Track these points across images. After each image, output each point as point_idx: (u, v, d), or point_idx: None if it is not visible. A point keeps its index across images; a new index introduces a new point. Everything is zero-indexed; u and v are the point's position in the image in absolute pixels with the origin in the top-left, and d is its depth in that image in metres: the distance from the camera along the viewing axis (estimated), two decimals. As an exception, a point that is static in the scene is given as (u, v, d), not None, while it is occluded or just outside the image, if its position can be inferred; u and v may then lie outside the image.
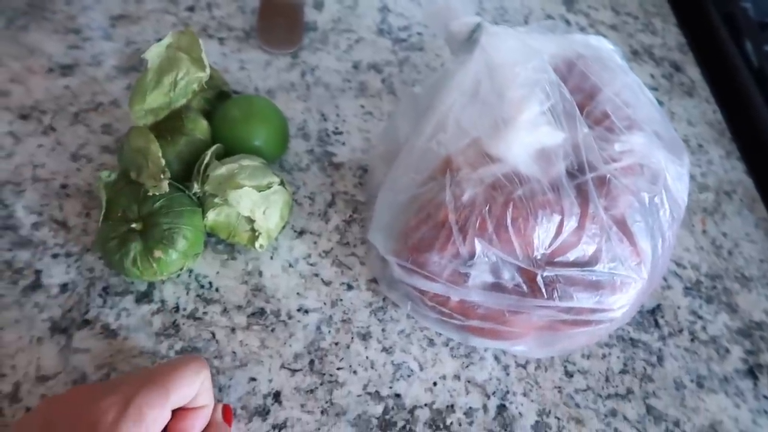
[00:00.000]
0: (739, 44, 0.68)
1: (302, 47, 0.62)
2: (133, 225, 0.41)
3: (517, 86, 0.41)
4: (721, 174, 0.59)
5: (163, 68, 0.43)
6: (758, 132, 0.62)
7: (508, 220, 0.39)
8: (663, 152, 0.44)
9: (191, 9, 0.63)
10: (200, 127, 0.46)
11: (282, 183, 0.46)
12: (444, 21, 0.48)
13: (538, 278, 0.40)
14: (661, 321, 0.49)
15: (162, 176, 0.40)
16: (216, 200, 0.43)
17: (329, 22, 0.65)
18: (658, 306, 0.49)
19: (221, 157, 0.47)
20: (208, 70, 0.44)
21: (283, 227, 0.47)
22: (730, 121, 0.64)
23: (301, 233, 0.49)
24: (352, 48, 0.63)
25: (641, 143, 0.43)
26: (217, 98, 0.51)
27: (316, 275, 0.47)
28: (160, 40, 0.58)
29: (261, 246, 0.45)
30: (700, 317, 0.49)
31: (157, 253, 0.41)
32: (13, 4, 0.60)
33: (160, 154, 0.41)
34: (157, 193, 0.41)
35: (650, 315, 0.49)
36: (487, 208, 0.39)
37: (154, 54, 0.44)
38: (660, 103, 0.64)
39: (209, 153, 0.44)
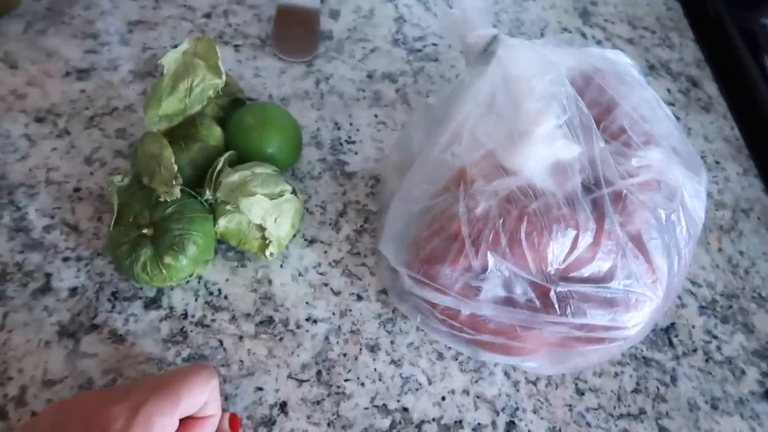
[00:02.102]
0: (758, 60, 0.67)
1: (317, 56, 0.62)
2: (144, 230, 0.41)
3: (534, 99, 0.40)
4: (738, 191, 0.59)
5: (179, 74, 0.43)
6: (776, 149, 0.62)
7: (522, 234, 0.38)
8: (680, 168, 0.43)
9: (208, 16, 0.63)
10: (214, 134, 0.46)
11: (294, 191, 0.46)
12: (460, 33, 0.48)
13: (551, 294, 0.39)
14: (675, 340, 0.48)
15: (174, 182, 0.40)
16: (227, 207, 0.43)
17: (345, 32, 0.65)
18: (673, 325, 0.49)
19: (234, 164, 0.47)
20: (223, 77, 0.44)
21: (294, 236, 0.47)
22: (747, 138, 0.63)
23: (311, 242, 0.49)
24: (367, 57, 0.63)
25: (658, 159, 0.42)
26: (232, 105, 0.52)
27: (326, 285, 0.47)
28: (176, 46, 0.59)
29: (271, 254, 0.45)
30: (715, 337, 0.49)
31: (167, 259, 0.41)
32: (33, 8, 0.60)
33: (173, 160, 0.41)
34: (169, 199, 0.40)
35: (664, 334, 0.48)
36: (501, 221, 0.39)
37: (170, 60, 0.44)
38: (677, 118, 0.63)
39: (222, 160, 0.44)
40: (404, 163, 0.50)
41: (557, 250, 0.39)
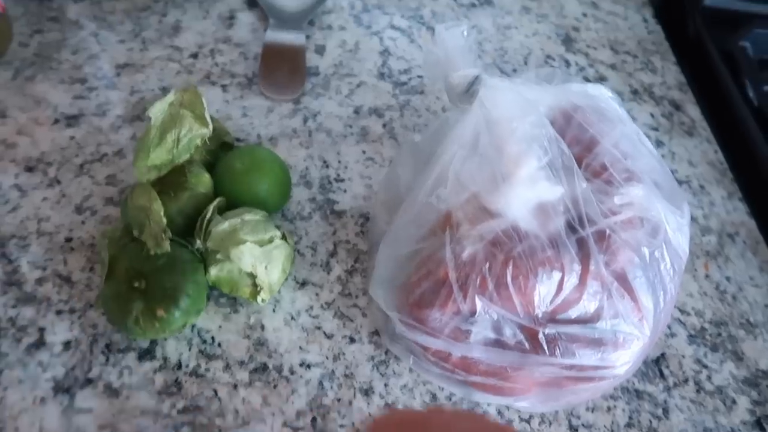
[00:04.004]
0: (739, 83, 0.68)
1: (304, 93, 0.62)
2: (136, 284, 0.41)
3: (515, 141, 0.41)
4: (724, 216, 0.59)
5: (166, 125, 0.44)
6: (760, 172, 0.62)
7: (509, 279, 0.39)
8: (663, 203, 0.44)
9: (195, 56, 0.64)
10: (203, 181, 0.47)
11: (284, 236, 0.46)
12: (443, 72, 0.49)
13: (540, 335, 0.39)
14: (665, 371, 0.48)
15: (163, 236, 0.41)
16: (218, 256, 0.44)
17: (331, 67, 0.65)
18: (663, 355, 0.49)
19: (224, 210, 0.47)
20: (210, 127, 0.45)
21: (286, 279, 0.48)
22: (731, 161, 0.64)
23: (303, 284, 0.49)
24: (353, 93, 0.63)
25: (641, 195, 0.43)
26: (220, 148, 0.52)
27: (318, 328, 0.47)
28: (164, 89, 0.60)
29: (263, 300, 0.45)
30: (706, 366, 0.49)
31: (160, 312, 0.41)
32: (21, 54, 0.61)
33: (162, 213, 0.41)
34: (159, 253, 0.41)
35: (654, 365, 0.49)
36: (487, 266, 0.39)
37: (157, 111, 0.44)
38: (660, 143, 0.64)
39: (211, 208, 0.45)
40: (392, 201, 0.50)
41: (544, 293, 0.39)
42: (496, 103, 0.43)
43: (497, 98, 0.43)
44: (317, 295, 0.49)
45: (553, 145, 0.42)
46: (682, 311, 0.52)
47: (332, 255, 0.51)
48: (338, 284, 0.50)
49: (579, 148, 0.44)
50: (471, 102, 0.45)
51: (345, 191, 0.55)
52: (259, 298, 0.45)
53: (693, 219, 0.58)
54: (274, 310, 0.47)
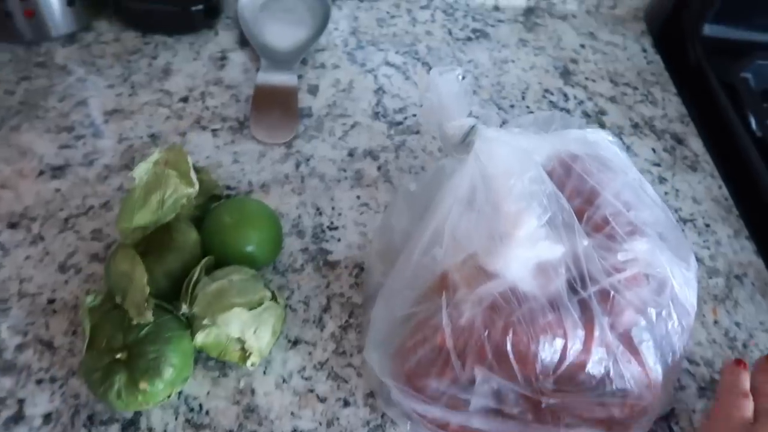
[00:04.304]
0: (742, 115, 0.66)
1: (297, 135, 0.61)
2: (118, 355, 0.39)
3: (514, 200, 0.39)
4: (731, 256, 0.57)
5: (150, 186, 0.42)
6: (765, 207, 0.61)
7: (509, 346, 0.37)
8: (668, 256, 0.42)
9: (185, 99, 0.63)
10: (189, 240, 0.45)
11: (274, 296, 0.44)
12: (438, 119, 0.47)
13: (543, 405, 0.38)
14: (675, 428, 0.46)
15: (146, 305, 0.39)
16: (205, 321, 0.42)
17: (324, 108, 0.64)
18: (672, 411, 0.47)
19: (212, 268, 0.45)
20: (196, 186, 0.43)
21: (276, 340, 0.46)
22: (736, 197, 0.62)
23: (295, 343, 0.47)
24: (347, 134, 0.62)
25: (645, 250, 0.41)
26: (208, 201, 0.50)
27: (311, 390, 0.45)
28: (153, 135, 0.58)
29: (253, 364, 0.43)
30: (717, 422, 0.47)
31: (143, 385, 0.39)
32: (7, 102, 0.60)
33: (146, 281, 0.39)
34: (142, 322, 0.39)
35: (664, 422, 0.46)
36: (486, 333, 0.37)
37: (141, 171, 0.43)
38: (663, 179, 0.63)
39: (197, 270, 0.43)
40: (387, 252, 0.49)
41: (546, 361, 0.37)
42: (492, 156, 0.42)
43: (493, 151, 0.42)
44: (310, 354, 0.47)
45: (553, 201, 0.40)
46: (690, 361, 0.50)
47: (325, 310, 0.49)
48: (332, 342, 0.48)
49: (579, 200, 0.42)
50: (467, 152, 0.44)
51: (339, 240, 0.54)
52: (248, 363, 0.43)
53: (699, 260, 0.57)
54: (264, 372, 0.46)
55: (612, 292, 0.38)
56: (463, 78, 0.46)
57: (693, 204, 0.61)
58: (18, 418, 0.41)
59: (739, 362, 0.44)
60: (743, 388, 0.42)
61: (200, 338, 0.42)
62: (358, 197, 0.57)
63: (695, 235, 0.59)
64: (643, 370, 0.38)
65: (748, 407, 0.41)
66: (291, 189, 0.57)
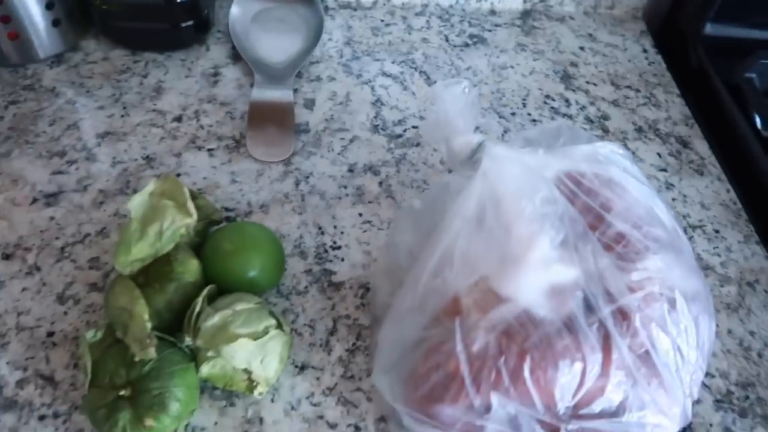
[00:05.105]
0: (747, 115, 0.65)
1: (295, 152, 0.60)
2: (122, 392, 0.38)
3: (525, 222, 0.38)
4: (742, 262, 0.56)
5: (147, 218, 0.41)
6: (774, 210, 0.60)
7: (526, 372, 0.36)
8: (683, 270, 0.41)
9: (179, 119, 0.61)
10: (190, 269, 0.44)
11: (279, 324, 0.43)
12: (444, 134, 0.46)
13: None
14: (694, 443, 0.45)
15: (148, 342, 0.38)
16: (209, 353, 0.41)
17: (321, 122, 0.63)
18: (690, 426, 0.46)
19: (215, 296, 0.44)
20: (194, 216, 0.42)
21: (283, 368, 0.44)
22: (744, 200, 0.61)
23: (302, 368, 0.46)
24: (346, 149, 0.61)
25: (658, 267, 0.40)
26: (207, 226, 0.49)
27: (321, 417, 0.44)
28: (147, 157, 0.57)
29: (260, 393, 0.42)
30: (736, 435, 0.46)
31: (149, 422, 0.38)
32: (-5, 128, 0.58)
33: (147, 317, 0.38)
34: (145, 359, 0.38)
35: (682, 438, 0.45)
36: (502, 359, 0.36)
37: (136, 204, 0.41)
38: (670, 185, 0.62)
39: (200, 301, 0.42)
40: (393, 270, 0.47)
41: (565, 386, 0.36)
42: (502, 175, 0.40)
43: (502, 170, 0.41)
44: (318, 379, 0.46)
45: (565, 222, 0.39)
46: (706, 374, 0.49)
47: (332, 333, 0.48)
48: (340, 366, 0.46)
49: (590, 217, 0.41)
50: (474, 169, 0.42)
51: (342, 260, 0.52)
52: (256, 392, 0.42)
53: (711, 268, 0.56)
54: (272, 400, 0.44)
55: (629, 312, 0.37)
56: (469, 91, 0.45)
57: (701, 210, 0.60)
58: (20, 460, 0.40)
59: None
60: None
61: (205, 370, 0.41)
62: (360, 214, 0.56)
63: (705, 242, 0.58)
64: (663, 391, 0.37)
65: None
66: (291, 208, 0.55)
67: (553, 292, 0.38)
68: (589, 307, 0.38)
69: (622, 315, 0.38)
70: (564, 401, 0.36)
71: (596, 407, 0.36)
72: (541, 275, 0.37)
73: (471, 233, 0.40)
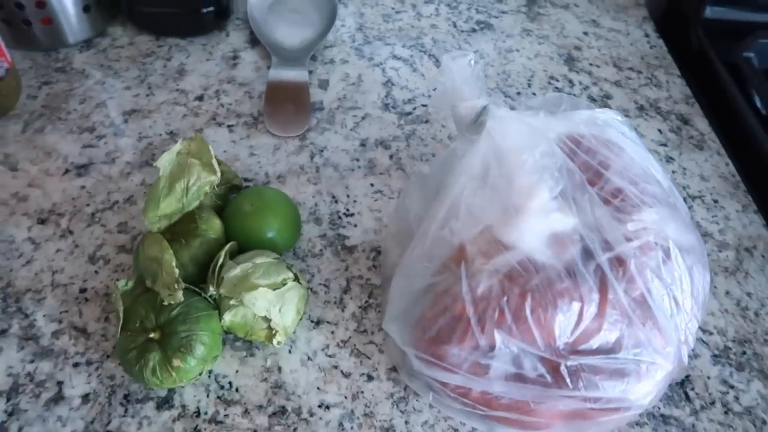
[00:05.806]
0: (745, 93, 0.67)
1: (310, 128, 0.63)
2: (151, 335, 0.41)
3: (526, 173, 0.41)
4: (740, 230, 0.59)
5: (174, 175, 0.44)
6: (773, 182, 0.62)
7: (528, 311, 0.38)
8: (677, 225, 0.43)
9: (200, 98, 0.65)
10: (213, 227, 0.47)
11: (296, 277, 0.46)
12: (450, 102, 0.49)
13: (562, 368, 0.39)
14: (691, 393, 0.47)
15: (176, 286, 0.41)
16: (231, 302, 0.43)
17: (335, 101, 0.66)
18: (688, 378, 0.48)
19: (235, 253, 0.47)
20: (218, 174, 0.45)
21: (300, 320, 0.47)
22: (743, 173, 0.63)
23: (318, 323, 0.49)
24: (358, 126, 0.64)
25: (654, 219, 0.42)
26: (229, 191, 0.52)
27: (336, 367, 0.47)
28: (171, 132, 0.60)
29: (279, 342, 0.45)
30: (732, 387, 0.48)
31: (176, 362, 0.41)
32: (30, 107, 0.62)
33: (174, 264, 0.41)
34: (173, 302, 0.41)
35: (680, 388, 0.48)
36: (504, 299, 0.39)
37: (165, 161, 0.44)
38: (670, 159, 0.64)
39: (222, 254, 0.45)
40: (403, 234, 0.50)
41: (564, 324, 0.39)
42: (505, 133, 0.43)
43: (505, 129, 0.43)
44: (332, 333, 0.48)
45: (564, 174, 0.41)
46: (704, 330, 0.51)
47: (346, 291, 0.51)
48: (353, 321, 0.49)
49: (589, 173, 0.44)
50: (479, 132, 0.45)
51: (355, 226, 0.55)
52: (274, 341, 0.45)
53: (709, 235, 0.58)
54: (290, 351, 0.47)
55: (625, 257, 0.40)
56: (475, 63, 0.48)
57: (701, 181, 0.62)
58: (58, 398, 0.43)
59: None
60: None
61: (228, 318, 0.44)
62: (372, 185, 0.59)
63: (704, 211, 0.60)
64: (657, 332, 0.39)
65: None
66: (307, 179, 0.59)
67: (553, 240, 0.40)
68: (587, 255, 0.41)
69: (619, 262, 0.40)
70: (563, 338, 0.39)
71: (593, 344, 0.39)
72: (541, 223, 0.40)
73: (476, 188, 0.43)
